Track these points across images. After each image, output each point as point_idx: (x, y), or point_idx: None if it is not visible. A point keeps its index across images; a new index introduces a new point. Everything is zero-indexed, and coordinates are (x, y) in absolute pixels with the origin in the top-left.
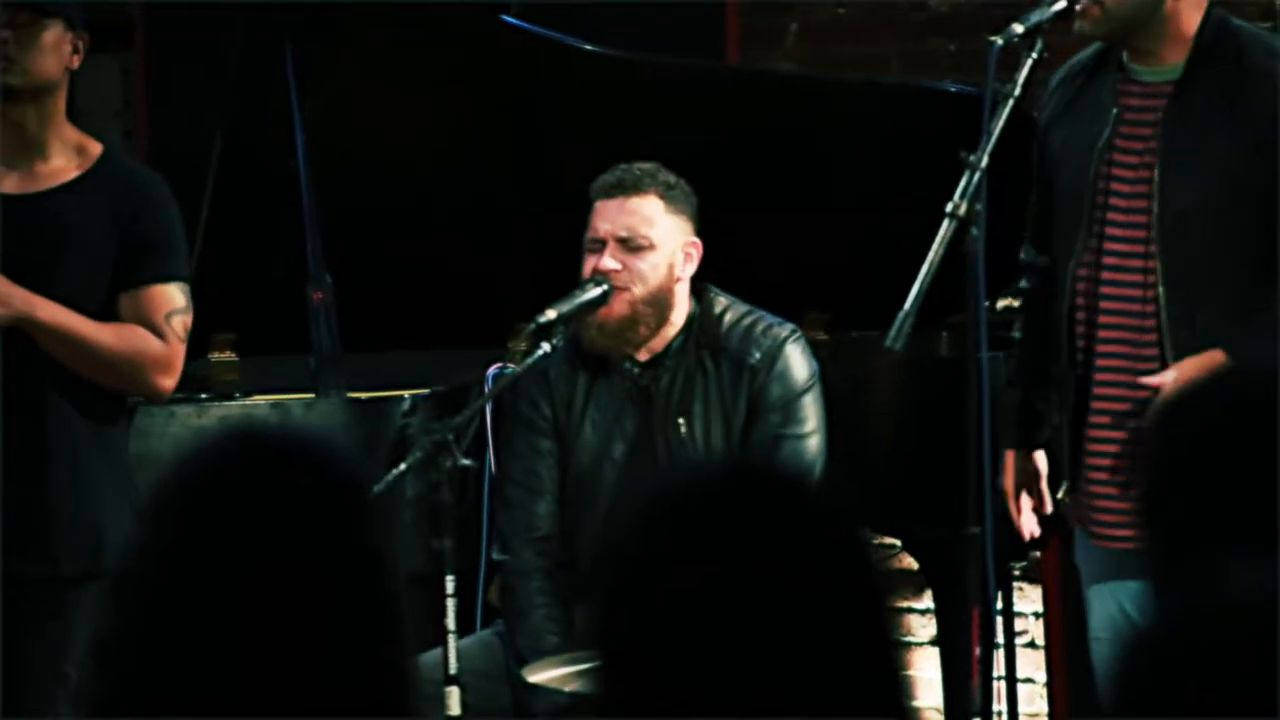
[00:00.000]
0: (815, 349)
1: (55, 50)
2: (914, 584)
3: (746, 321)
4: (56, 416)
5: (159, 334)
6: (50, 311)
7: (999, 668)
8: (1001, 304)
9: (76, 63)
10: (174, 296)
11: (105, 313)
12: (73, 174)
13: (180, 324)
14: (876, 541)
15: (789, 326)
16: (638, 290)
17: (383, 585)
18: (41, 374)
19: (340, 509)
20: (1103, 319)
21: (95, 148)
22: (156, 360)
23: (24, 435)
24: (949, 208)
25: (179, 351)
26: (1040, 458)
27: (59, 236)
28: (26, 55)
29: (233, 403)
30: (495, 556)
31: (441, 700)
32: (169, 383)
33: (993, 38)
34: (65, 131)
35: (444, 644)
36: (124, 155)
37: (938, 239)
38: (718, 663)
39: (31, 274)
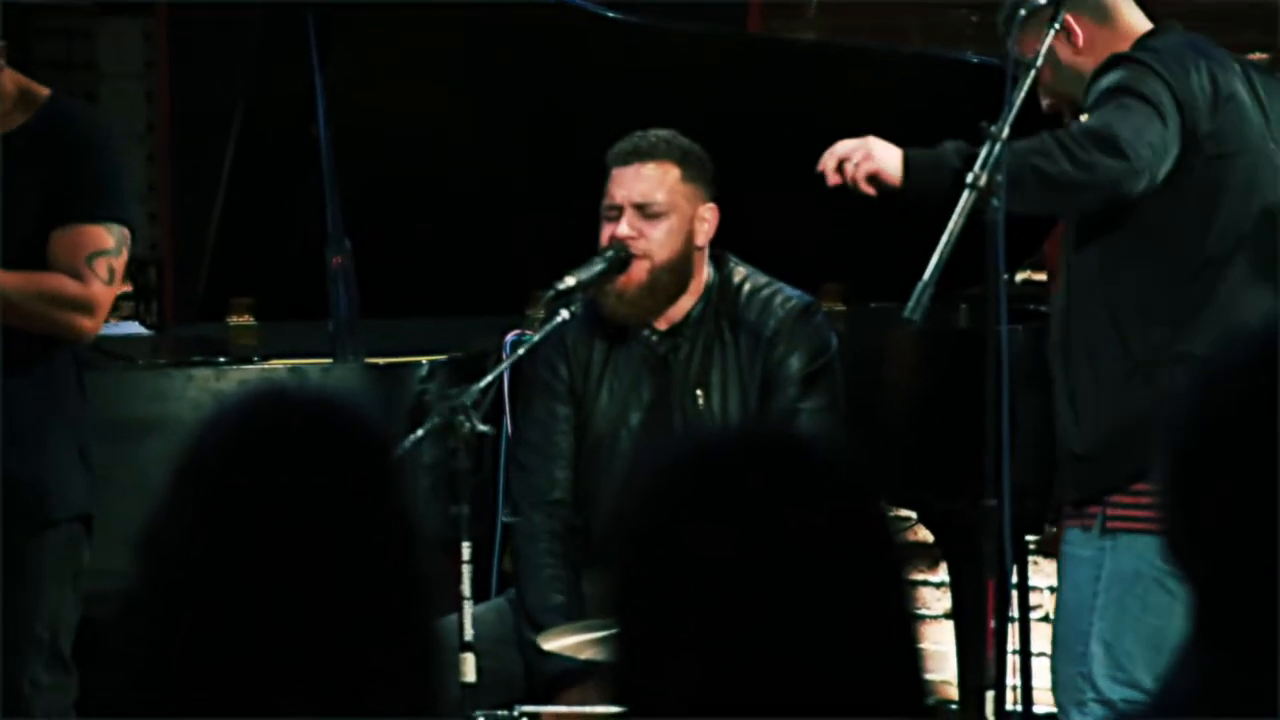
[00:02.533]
0: (833, 320)
1: None
2: (929, 557)
3: (765, 293)
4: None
5: (78, 275)
6: None
7: (1013, 641)
8: (1021, 276)
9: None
10: (102, 237)
11: (35, 245)
12: (14, 124)
13: (104, 265)
14: (893, 513)
15: (807, 298)
16: (655, 257)
17: (411, 547)
18: None
19: (370, 471)
20: None
21: (40, 94)
22: (72, 300)
23: None
24: (969, 179)
25: (101, 293)
26: None
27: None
28: None
29: (251, 366)
30: (505, 519)
31: (456, 666)
32: (89, 323)
33: (1019, 9)
34: (5, 87)
35: (459, 610)
36: (69, 100)
37: (957, 210)
38: (731, 631)
39: None
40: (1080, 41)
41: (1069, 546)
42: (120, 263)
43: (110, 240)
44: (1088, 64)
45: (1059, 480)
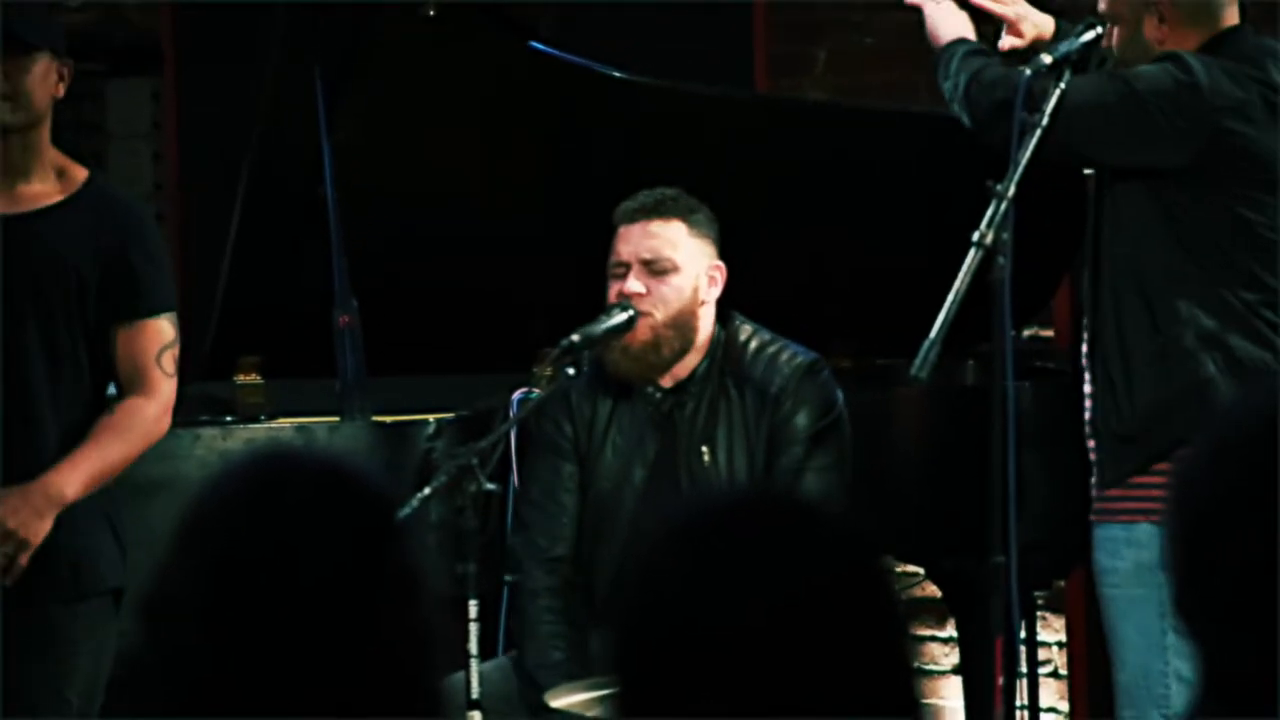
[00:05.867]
0: (840, 376)
1: (44, 81)
2: (937, 612)
3: (771, 350)
4: (37, 443)
5: (149, 379)
6: (75, 484)
7: (1022, 697)
8: (1027, 333)
9: (62, 90)
10: (164, 330)
11: (87, 338)
12: (55, 198)
13: (170, 359)
14: (900, 570)
15: (813, 356)
16: (661, 314)
17: (418, 605)
18: (21, 402)
19: (377, 532)
20: None
21: (80, 173)
22: (156, 420)
23: (6, 463)
24: (976, 237)
25: (170, 389)
26: None
27: (39, 260)
28: (21, 91)
29: (258, 425)
30: (506, 577)
31: None
32: (167, 423)
33: (1021, 68)
34: (47, 156)
35: (465, 668)
36: (109, 183)
37: (964, 268)
38: (736, 691)
39: (10, 297)
40: (1165, 30)
41: (1117, 590)
42: (178, 351)
43: (171, 331)
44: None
45: (1100, 468)
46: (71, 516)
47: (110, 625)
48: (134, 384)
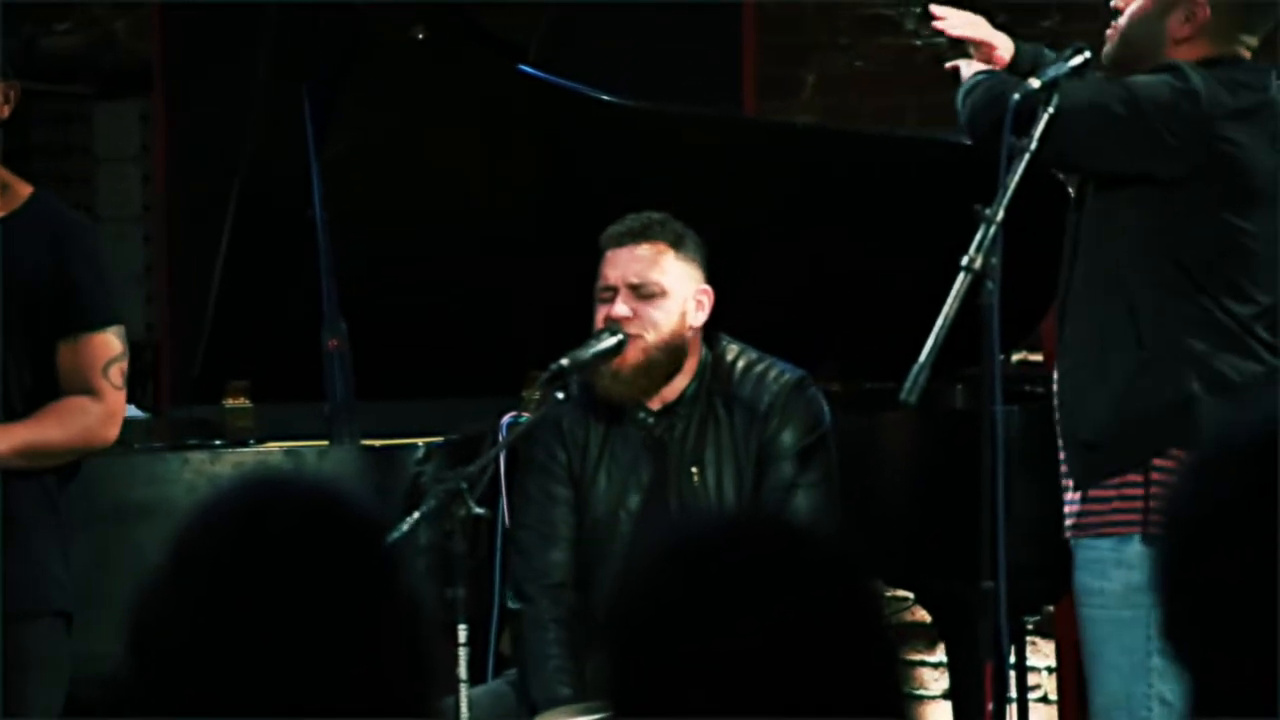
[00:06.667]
0: (828, 400)
1: None
2: (927, 637)
3: (758, 369)
4: None
5: (97, 390)
6: (1, 444)
7: None
8: (1016, 357)
9: (7, 112)
10: (111, 343)
11: (35, 355)
12: None
13: (118, 372)
14: (890, 594)
15: (800, 373)
16: (650, 337)
17: (410, 630)
18: None
19: (367, 555)
20: None
21: (24, 190)
22: (102, 423)
23: None
24: (964, 261)
25: (119, 401)
26: None
27: None
28: None
29: (247, 449)
30: (510, 604)
31: None
32: (114, 433)
33: (1012, 83)
34: None
35: (455, 693)
36: (53, 198)
37: (953, 292)
38: (726, 715)
39: None
40: (1189, 29)
41: (1102, 611)
42: (127, 362)
43: (118, 344)
44: (1180, 49)
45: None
46: (25, 542)
47: (63, 646)
48: (81, 393)
